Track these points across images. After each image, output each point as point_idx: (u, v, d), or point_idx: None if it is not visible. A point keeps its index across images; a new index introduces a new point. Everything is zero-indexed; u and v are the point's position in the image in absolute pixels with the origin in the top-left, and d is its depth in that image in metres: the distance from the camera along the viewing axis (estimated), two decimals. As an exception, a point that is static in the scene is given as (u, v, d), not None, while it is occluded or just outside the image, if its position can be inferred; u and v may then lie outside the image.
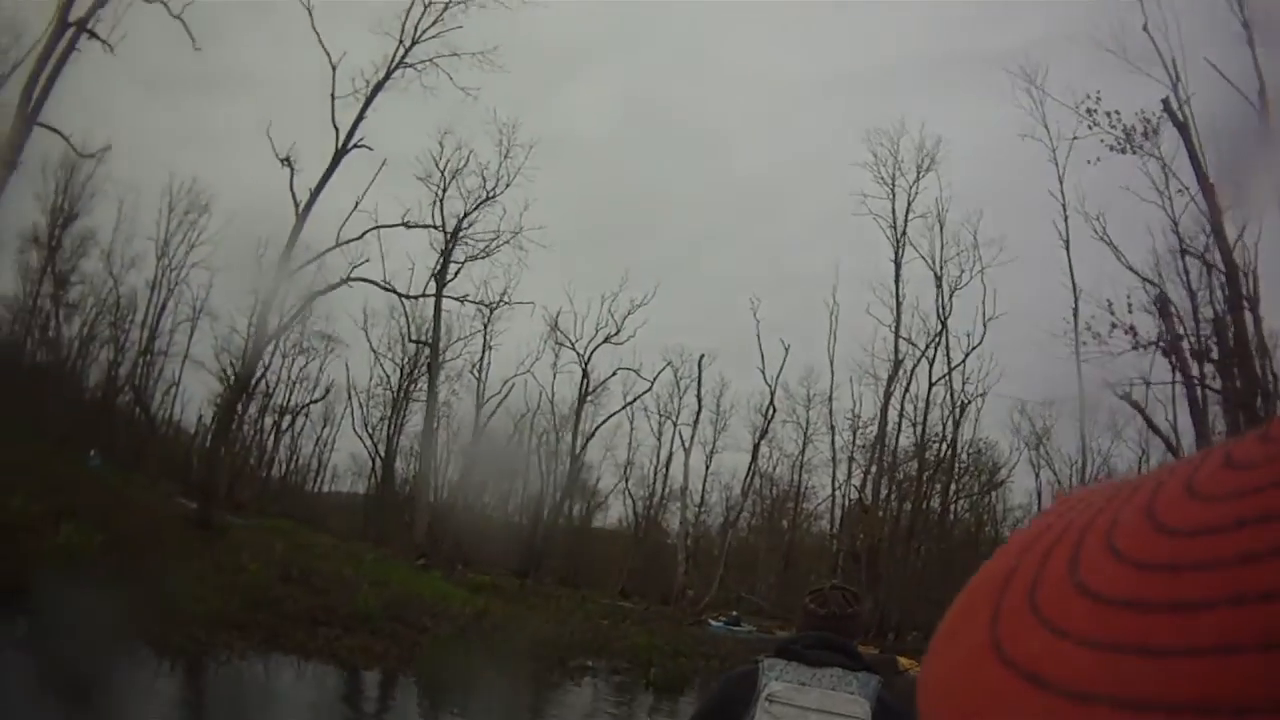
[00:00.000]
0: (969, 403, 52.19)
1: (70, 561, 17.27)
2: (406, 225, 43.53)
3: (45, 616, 14.20)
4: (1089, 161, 35.45)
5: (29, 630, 13.95)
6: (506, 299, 52.48)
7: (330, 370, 63.83)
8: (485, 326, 55.22)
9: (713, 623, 46.28)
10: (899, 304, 51.63)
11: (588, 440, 58.82)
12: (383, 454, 60.15)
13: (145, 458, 51.48)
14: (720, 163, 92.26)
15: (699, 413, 59.10)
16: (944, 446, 52.50)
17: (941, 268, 51.52)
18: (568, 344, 57.24)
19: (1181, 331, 31.46)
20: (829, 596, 3.94)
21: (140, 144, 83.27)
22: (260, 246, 45.43)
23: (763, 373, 55.77)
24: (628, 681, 27.14)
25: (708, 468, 62.33)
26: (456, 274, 49.83)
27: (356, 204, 39.39)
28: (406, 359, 59.01)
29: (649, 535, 65.60)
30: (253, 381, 52.19)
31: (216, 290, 57.62)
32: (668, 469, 63.93)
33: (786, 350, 55.50)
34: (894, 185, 52.68)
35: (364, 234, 40.33)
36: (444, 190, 49.46)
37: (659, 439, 64.18)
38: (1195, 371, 31.36)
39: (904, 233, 52.27)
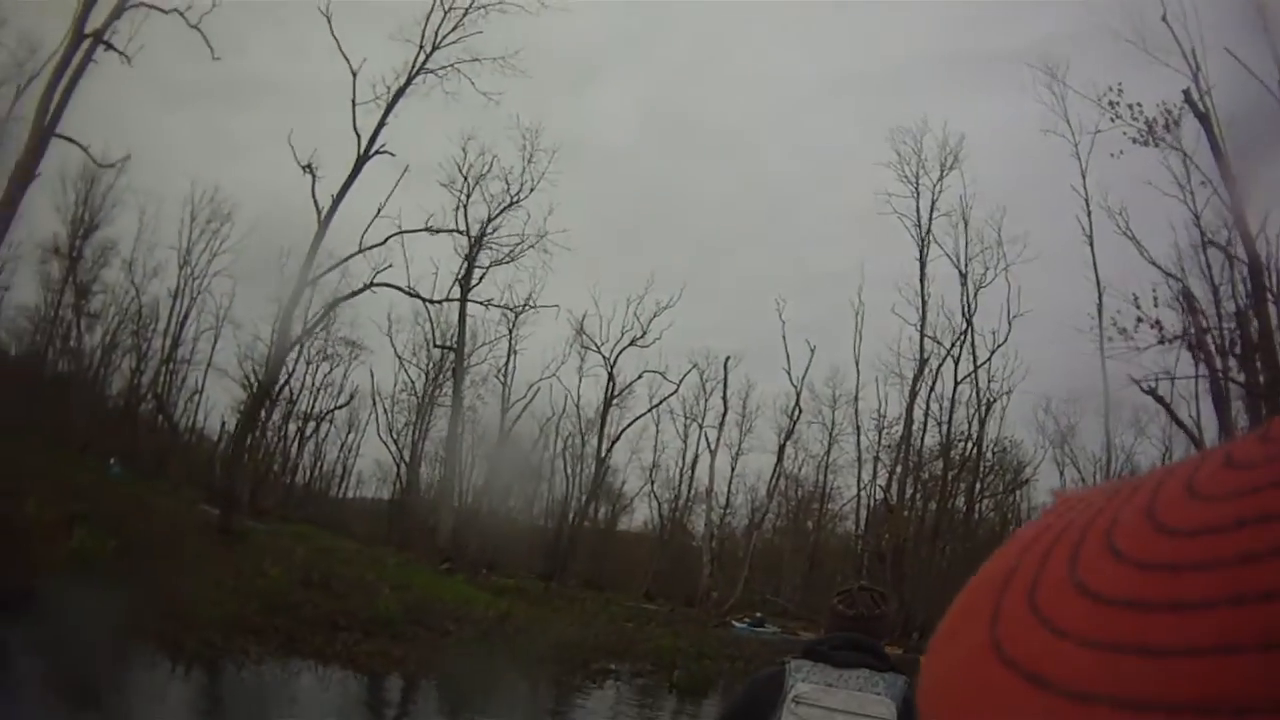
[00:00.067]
0: (994, 401, 51.97)
1: (83, 566, 17.21)
2: (430, 230, 43.24)
3: (55, 620, 14.11)
4: (1112, 155, 35.09)
5: (38, 634, 13.85)
6: (531, 303, 52.47)
7: (355, 376, 63.94)
8: (510, 331, 55.34)
9: (737, 624, 46.05)
10: (924, 303, 51.39)
11: (613, 443, 58.71)
12: (407, 459, 60.11)
13: (168, 465, 51.58)
14: (744, 164, 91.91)
15: (724, 415, 58.85)
16: (969, 445, 52.24)
17: (966, 265, 51.28)
18: (593, 347, 57.21)
19: (1206, 325, 31.11)
20: (857, 598, 3.95)
21: (161, 154, 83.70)
22: (283, 254, 45.41)
23: (788, 374, 55.67)
24: (651, 684, 26.89)
25: (733, 470, 62.32)
26: (481, 279, 49.82)
27: (379, 210, 39.30)
28: (431, 364, 58.89)
29: (674, 537, 65.33)
30: (276, 388, 52.28)
31: (240, 298, 57.97)
32: (693, 471, 63.74)
33: (812, 351, 55.47)
34: (918, 184, 52.46)
35: (387, 239, 40.22)
36: (468, 196, 49.47)
37: (684, 441, 64.02)
38: (1219, 365, 30.99)
39: (928, 231, 52.02)
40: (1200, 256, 32.46)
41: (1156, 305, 31.44)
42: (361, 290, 41.36)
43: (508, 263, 49.62)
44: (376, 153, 37.26)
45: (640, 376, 57.44)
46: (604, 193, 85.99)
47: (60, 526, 19.24)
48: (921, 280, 51.54)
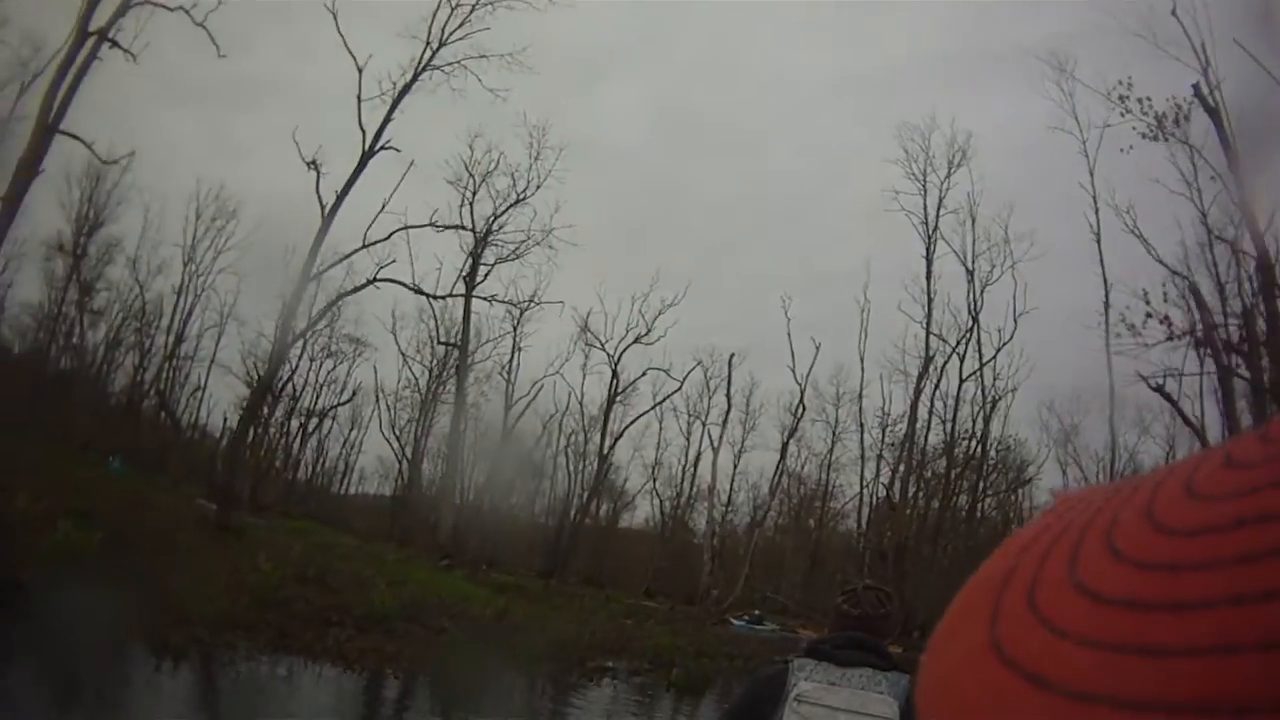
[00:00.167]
0: (999, 399, 51.84)
1: (68, 560, 17.10)
2: (435, 226, 43.11)
3: (37, 614, 14.01)
4: (1121, 150, 34.95)
5: (18, 627, 13.74)
6: (536, 299, 52.35)
7: (358, 373, 63.94)
8: (514, 328, 55.31)
9: (735, 621, 46.06)
10: (930, 300, 51.25)
11: (616, 440, 58.67)
12: (409, 456, 60.17)
13: (169, 461, 51.74)
14: (751, 162, 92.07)
15: (728, 412, 58.60)
16: (973, 443, 52.11)
17: (973, 263, 51.11)
18: (597, 345, 57.25)
19: (1215, 321, 30.92)
20: (862, 597, 3.93)
21: (166, 151, 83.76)
22: (287, 252, 45.37)
23: (793, 371, 55.44)
24: (649, 683, 26.74)
25: (736, 467, 62.46)
26: (486, 276, 49.70)
27: (384, 205, 39.02)
28: (435, 361, 58.95)
29: (675, 535, 65.61)
30: (277, 383, 52.25)
31: (244, 295, 57.91)
32: (695, 469, 63.92)
33: (817, 348, 55.17)
34: (925, 181, 52.31)
35: (391, 235, 39.97)
36: (474, 193, 49.39)
37: (688, 439, 64.10)
38: (1227, 362, 30.83)
39: (935, 228, 51.87)
40: (1207, 254, 32.31)
41: (1166, 300, 31.38)
42: (365, 285, 41.26)
43: (513, 260, 49.54)
44: (381, 148, 37.15)
45: (644, 374, 57.52)
46: (610, 190, 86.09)
47: (48, 520, 19.14)
48: (928, 277, 51.43)
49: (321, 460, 67.14)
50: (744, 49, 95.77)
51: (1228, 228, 31.40)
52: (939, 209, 51.96)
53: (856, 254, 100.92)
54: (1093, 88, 38.25)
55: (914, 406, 51.44)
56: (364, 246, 39.17)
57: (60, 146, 32.07)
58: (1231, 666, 0.30)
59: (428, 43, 38.63)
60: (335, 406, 63.08)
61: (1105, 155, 41.18)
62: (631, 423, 59.57)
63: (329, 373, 61.76)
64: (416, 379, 60.80)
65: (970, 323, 51.00)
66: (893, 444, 54.83)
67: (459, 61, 39.11)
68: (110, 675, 13.15)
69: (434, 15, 38.73)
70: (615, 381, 56.63)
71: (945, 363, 51.75)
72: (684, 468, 64.98)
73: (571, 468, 62.97)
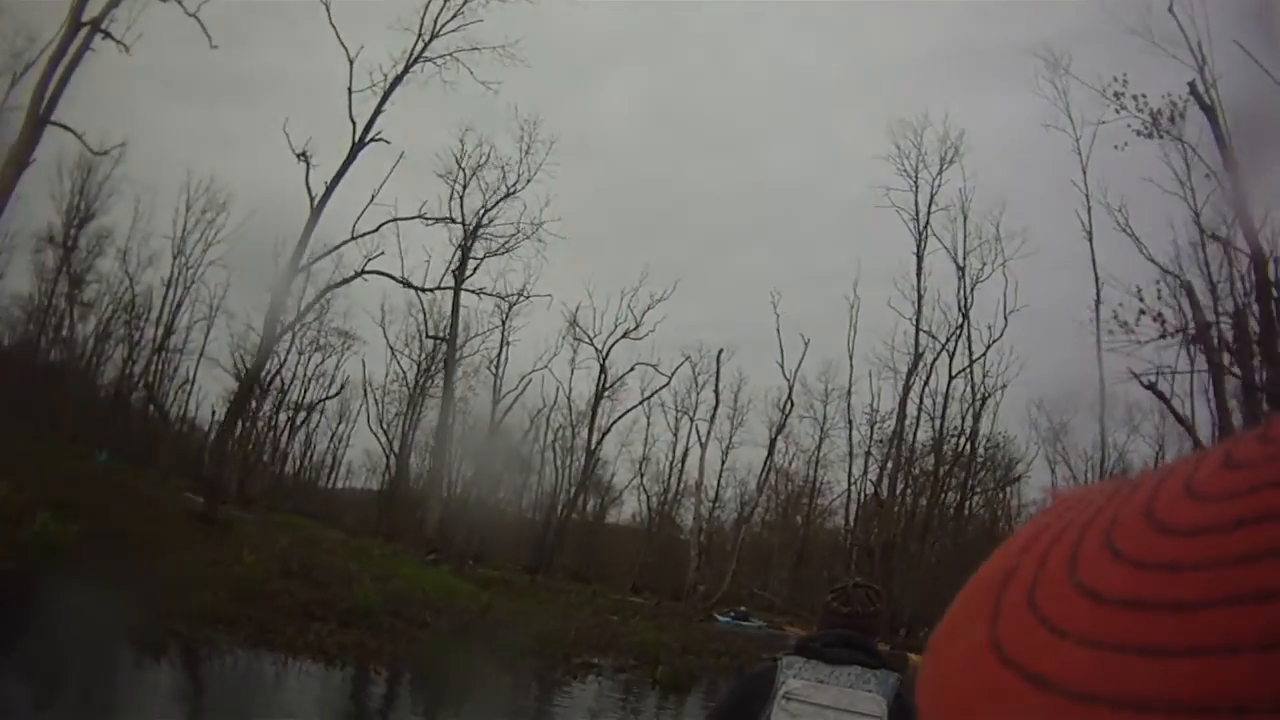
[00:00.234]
0: (989, 396, 51.85)
1: (44, 552, 17.01)
2: (424, 218, 43.03)
3: (6, 606, 13.91)
4: (1116, 147, 34.79)
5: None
6: (525, 293, 52.30)
7: (347, 367, 63.87)
8: (503, 322, 55.20)
9: (720, 617, 46.03)
10: (920, 297, 51.17)
11: (603, 436, 58.62)
12: (397, 450, 60.11)
13: (158, 454, 51.58)
14: (742, 158, 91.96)
15: (716, 408, 58.54)
16: (962, 440, 52.12)
17: (964, 260, 51.11)
18: (586, 339, 57.12)
19: (1209, 319, 30.94)
20: (852, 594, 3.93)
21: (158, 143, 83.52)
22: (278, 245, 45.28)
23: (781, 367, 55.38)
24: (634, 679, 26.65)
25: (723, 463, 62.29)
26: (475, 270, 49.65)
27: (373, 197, 39.04)
28: (424, 355, 59.05)
29: (662, 531, 65.60)
30: (265, 376, 52.17)
31: (234, 288, 57.75)
32: (683, 464, 63.84)
33: (806, 344, 55.10)
34: (917, 178, 52.23)
35: (380, 226, 39.92)
36: (464, 186, 49.31)
37: (675, 434, 64.02)
38: (1220, 360, 30.85)
39: (926, 225, 51.81)
40: (1199, 254, 32.31)
41: (1160, 297, 31.37)
42: (354, 277, 41.22)
43: (503, 254, 49.48)
44: (372, 140, 37.07)
45: (632, 369, 57.47)
46: (601, 185, 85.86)
47: (28, 512, 19.03)
48: (918, 274, 51.32)
49: (309, 454, 67.18)
50: (737, 45, 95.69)
51: (1221, 226, 31.41)
52: (930, 206, 51.89)
53: (848, 251, 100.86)
54: (1088, 84, 38.24)
55: (903, 403, 51.41)
56: (352, 238, 39.19)
57: (53, 140, 32.06)
58: (1231, 666, 0.30)
59: (419, 34, 38.57)
60: (323, 400, 63.06)
61: (1098, 154, 41.17)
62: (619, 418, 59.66)
63: (317, 366, 61.72)
64: (405, 373, 60.88)
65: (960, 320, 50.95)
66: (881, 441, 54.85)
67: (451, 54, 39.12)
68: (81, 669, 13.01)
69: (426, 7, 38.74)
70: (603, 376, 56.64)
71: (935, 360, 51.71)
72: (671, 463, 65.06)
73: (559, 463, 63.00)
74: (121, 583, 16.51)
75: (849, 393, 56.94)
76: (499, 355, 56.21)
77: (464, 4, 38.72)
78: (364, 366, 68.03)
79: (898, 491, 51.09)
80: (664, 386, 59.27)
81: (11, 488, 19.83)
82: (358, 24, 57.52)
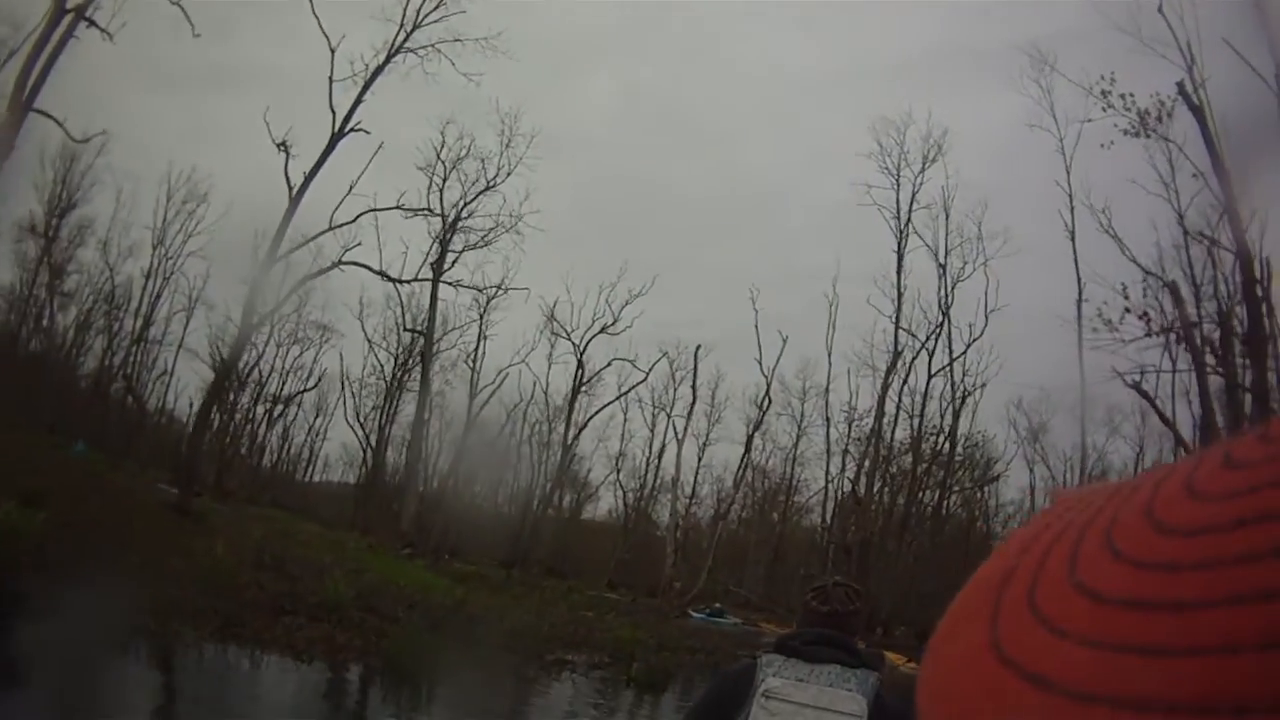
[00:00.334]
0: (968, 395, 51.97)
1: (7, 541, 16.82)
2: (402, 210, 42.97)
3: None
4: (1101, 145, 34.90)
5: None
6: (503, 286, 52.30)
7: (325, 360, 63.70)
8: (481, 316, 55.18)
9: (695, 614, 45.96)
10: (900, 295, 51.32)
11: (580, 431, 58.73)
12: (374, 444, 59.96)
13: (135, 445, 51.44)
14: (723, 155, 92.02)
15: (693, 404, 58.77)
16: (941, 439, 52.23)
17: (945, 258, 51.21)
18: (563, 334, 57.14)
19: (1194, 318, 31.01)
20: (831, 593, 3.90)
21: (141, 133, 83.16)
22: (257, 236, 45.22)
23: (759, 364, 55.40)
24: (609, 677, 26.46)
25: (700, 460, 62.48)
26: (454, 263, 49.63)
27: (351, 186, 38.96)
28: (401, 348, 58.90)
29: (639, 527, 65.65)
30: (242, 368, 52.03)
31: (213, 280, 57.66)
32: (660, 460, 64.09)
33: (784, 341, 55.09)
34: (899, 176, 52.42)
35: (358, 217, 39.94)
36: (444, 179, 49.24)
37: (652, 430, 64.24)
38: (1204, 360, 30.91)
39: (908, 223, 51.96)
40: (1182, 255, 32.39)
41: (1146, 296, 31.45)
42: (330, 268, 41.07)
43: (481, 247, 49.50)
44: (351, 130, 36.90)
45: (610, 364, 57.48)
46: (581, 179, 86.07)
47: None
48: (898, 272, 51.49)
49: (287, 447, 67.21)
50: (720, 42, 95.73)
51: (1205, 227, 31.47)
52: (912, 204, 52.18)
53: (827, 249, 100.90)
54: (1075, 82, 38.31)
55: (881, 401, 51.54)
56: (330, 229, 39.09)
57: (35, 129, 31.86)
58: (1231, 666, 0.30)
59: (402, 25, 38.43)
60: (301, 393, 63.05)
61: (1082, 155, 41.38)
62: (596, 413, 59.71)
63: (295, 359, 61.72)
64: (382, 366, 60.78)
65: (940, 318, 51.19)
66: (859, 439, 55.00)
67: (433, 45, 38.95)
68: (39, 662, 12.85)
69: (409, -3, 38.48)
70: (580, 372, 56.66)
71: (914, 358, 51.95)
72: (648, 459, 65.26)
73: (535, 458, 63.20)
74: (88, 574, 16.38)
75: (827, 390, 57.34)
76: (476, 349, 56.29)
77: (447, -6, 38.61)
78: (342, 359, 67.85)
79: (875, 490, 51.24)
80: (641, 382, 59.30)
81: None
82: (340, 14, 57.22)
